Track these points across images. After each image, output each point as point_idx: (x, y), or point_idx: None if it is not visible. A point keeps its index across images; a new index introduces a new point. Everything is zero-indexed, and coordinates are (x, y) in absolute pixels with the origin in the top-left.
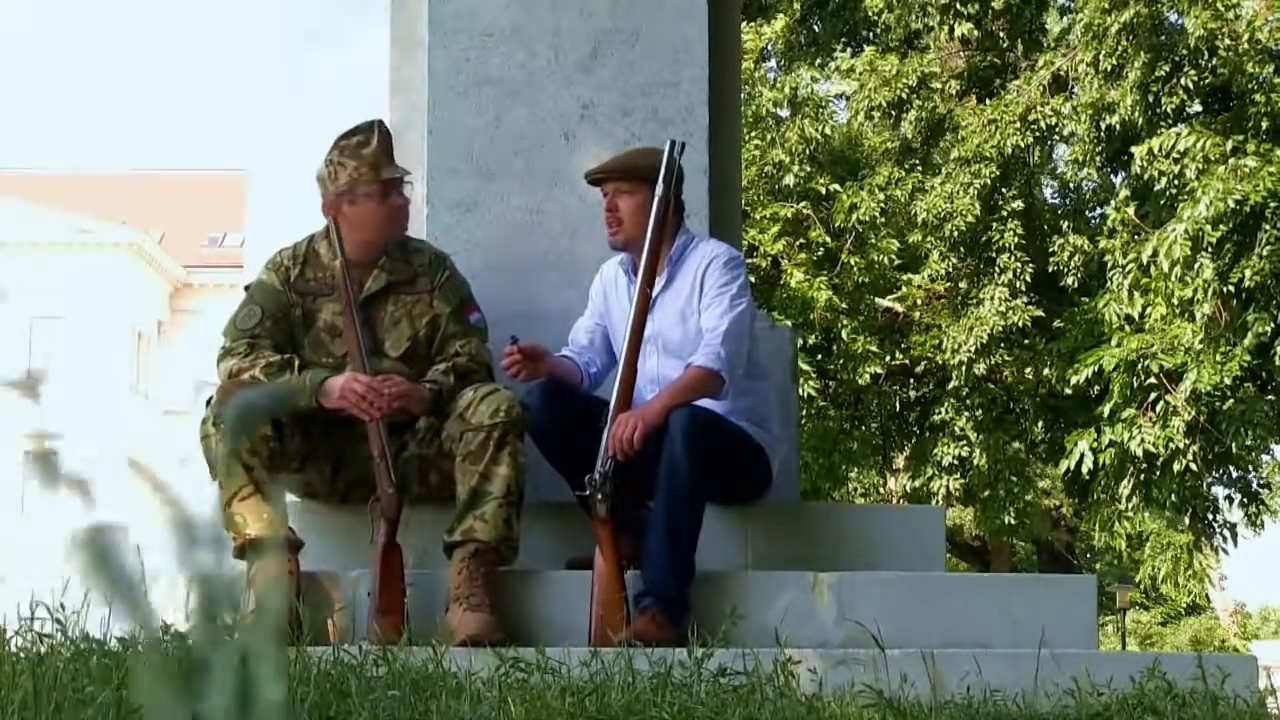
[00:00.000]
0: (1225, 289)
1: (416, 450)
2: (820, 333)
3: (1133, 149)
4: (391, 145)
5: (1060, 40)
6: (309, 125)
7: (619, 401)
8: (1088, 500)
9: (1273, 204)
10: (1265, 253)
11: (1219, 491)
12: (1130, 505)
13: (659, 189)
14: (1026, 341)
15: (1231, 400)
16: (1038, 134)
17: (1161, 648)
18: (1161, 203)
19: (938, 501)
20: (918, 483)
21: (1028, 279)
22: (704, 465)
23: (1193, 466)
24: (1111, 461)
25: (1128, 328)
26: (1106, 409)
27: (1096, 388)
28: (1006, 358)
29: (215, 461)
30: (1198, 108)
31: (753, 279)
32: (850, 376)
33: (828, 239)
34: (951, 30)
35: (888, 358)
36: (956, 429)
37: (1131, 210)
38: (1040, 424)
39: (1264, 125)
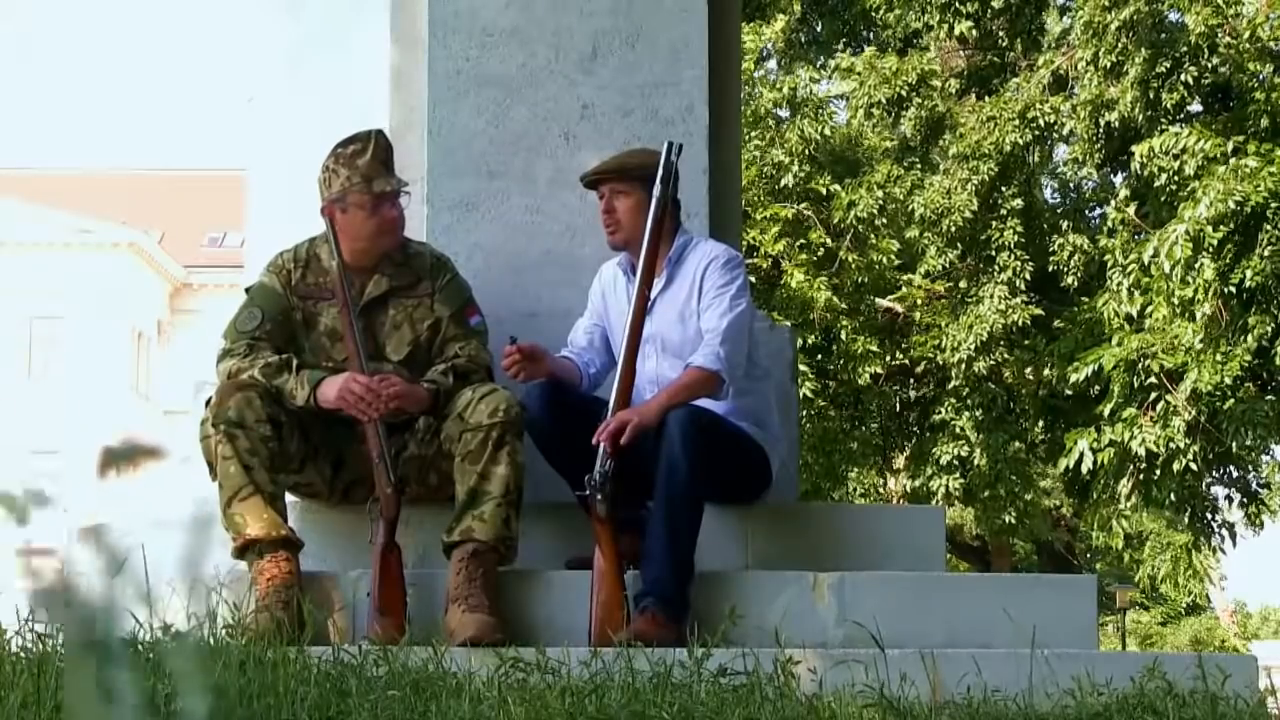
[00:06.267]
0: (1226, 289)
1: (416, 450)
2: (820, 333)
3: (1133, 148)
4: (390, 155)
5: (1060, 40)
6: (309, 125)
7: (618, 402)
8: (1088, 500)
9: (1273, 205)
10: (1266, 253)
11: (1219, 491)
12: (1130, 505)
13: (656, 190)
14: (1027, 341)
15: (1232, 400)
16: (1037, 132)
17: (1161, 648)
18: (1161, 199)
19: (937, 501)
20: (917, 482)
21: (1027, 277)
22: (703, 465)
23: (1193, 466)
24: (1111, 461)
25: (1128, 327)
26: (1107, 409)
27: (1096, 387)
28: (1006, 357)
29: (215, 462)
30: (1198, 106)
31: (753, 279)
32: (850, 376)
33: (828, 240)
34: (951, 29)
35: (888, 358)
36: (956, 429)
37: (1132, 210)
38: (1040, 424)
39: (1264, 124)
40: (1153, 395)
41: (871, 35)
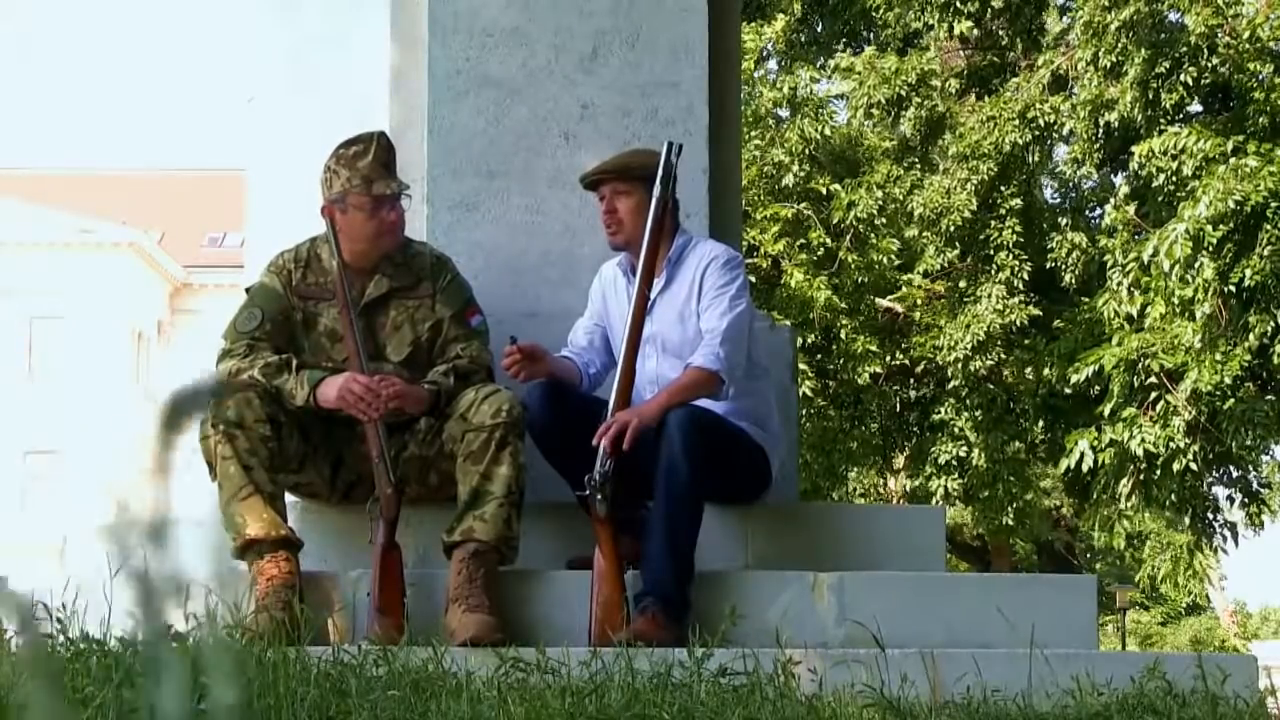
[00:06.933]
0: (1226, 289)
1: (416, 451)
2: (820, 333)
3: (1133, 148)
4: (392, 157)
5: (1060, 40)
6: (309, 125)
7: (618, 402)
8: (1088, 500)
9: (1273, 204)
10: (1266, 253)
11: (1219, 491)
12: (1130, 505)
13: (656, 190)
14: (1026, 341)
15: (1232, 400)
16: (1036, 131)
17: (1161, 648)
18: (1160, 199)
19: (937, 501)
20: (917, 483)
21: (1025, 277)
22: (702, 465)
23: (1193, 466)
24: (1111, 461)
25: (1128, 327)
26: (1107, 408)
27: (1096, 387)
28: (1005, 357)
29: (214, 462)
30: (1198, 107)
31: (753, 279)
32: (850, 376)
33: (828, 240)
34: (951, 29)
35: (887, 358)
36: (956, 429)
37: (1131, 210)
38: (1040, 424)
39: (1263, 123)
40: (1153, 395)
41: (871, 35)
